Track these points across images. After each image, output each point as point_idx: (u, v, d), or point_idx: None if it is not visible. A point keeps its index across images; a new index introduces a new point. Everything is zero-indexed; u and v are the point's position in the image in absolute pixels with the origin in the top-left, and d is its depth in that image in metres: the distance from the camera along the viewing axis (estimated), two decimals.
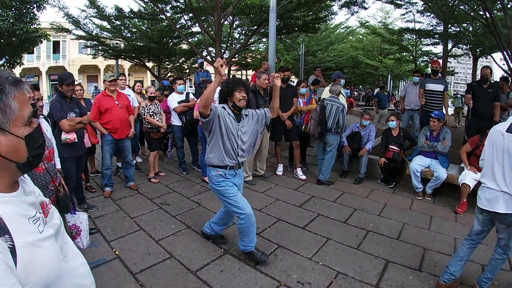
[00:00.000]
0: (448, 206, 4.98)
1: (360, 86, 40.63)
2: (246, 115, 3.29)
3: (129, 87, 6.83)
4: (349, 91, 20.80)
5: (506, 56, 8.89)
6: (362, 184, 5.88)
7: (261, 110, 3.39)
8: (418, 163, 5.29)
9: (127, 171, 5.25)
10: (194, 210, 4.53)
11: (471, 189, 4.68)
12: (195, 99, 5.87)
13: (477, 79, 6.34)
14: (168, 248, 3.49)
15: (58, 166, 3.11)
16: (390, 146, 5.71)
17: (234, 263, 3.27)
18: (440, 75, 6.81)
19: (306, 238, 3.84)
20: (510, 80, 8.23)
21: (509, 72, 9.04)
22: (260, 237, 3.81)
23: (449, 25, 14.06)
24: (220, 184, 3.17)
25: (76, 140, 4.01)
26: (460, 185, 4.86)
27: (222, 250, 3.50)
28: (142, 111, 5.57)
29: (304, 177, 6.01)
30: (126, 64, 29.89)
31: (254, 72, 10.30)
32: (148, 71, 21.31)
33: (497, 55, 11.40)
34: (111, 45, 16.71)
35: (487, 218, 2.76)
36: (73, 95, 4.27)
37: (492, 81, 6.10)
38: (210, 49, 11.99)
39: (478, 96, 5.86)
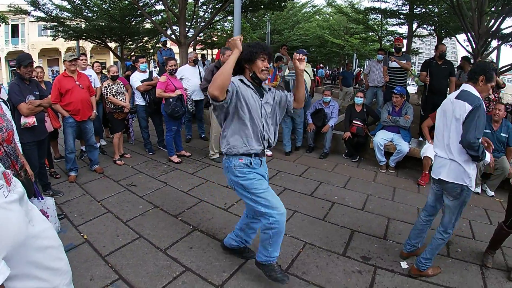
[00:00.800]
0: (411, 178, 5.21)
1: (326, 66, 41.06)
2: (269, 89, 2.67)
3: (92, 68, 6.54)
4: (323, 70, 21.05)
5: (470, 38, 9.17)
6: (327, 159, 6.02)
7: (285, 93, 2.71)
8: (381, 137, 5.47)
9: (91, 154, 5.09)
10: (161, 190, 4.48)
11: (432, 162, 4.88)
12: (158, 78, 5.71)
13: (431, 57, 6.54)
14: (137, 229, 3.45)
15: (20, 150, 2.97)
16: (353, 121, 5.86)
17: (203, 239, 3.28)
18: (404, 52, 6.96)
19: None
20: (472, 60, 8.56)
21: (472, 53, 9.36)
22: (228, 213, 3.86)
23: (415, 6, 14.29)
24: (246, 177, 2.47)
25: (36, 124, 3.82)
26: (422, 158, 5.09)
27: (191, 227, 3.50)
28: (105, 91, 5.36)
29: (270, 153, 6.07)
30: (87, 46, 28.59)
31: (219, 50, 10.16)
32: (110, 52, 20.48)
33: (461, 36, 11.78)
34: (72, 25, 15.90)
35: (439, 190, 2.87)
36: (32, 77, 4.05)
37: (448, 59, 6.31)
38: (174, 27, 11.61)
39: (434, 73, 6.08)
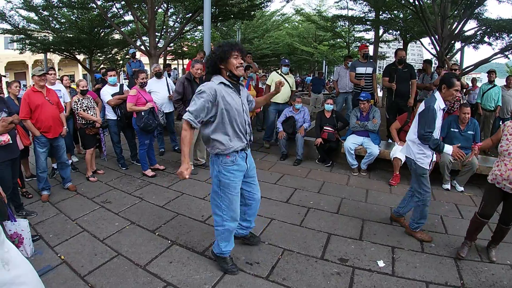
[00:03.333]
0: (382, 180, 5.39)
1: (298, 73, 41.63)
2: (242, 85, 2.89)
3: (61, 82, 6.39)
4: (310, 78, 21.35)
5: (434, 41, 9.60)
6: (301, 165, 6.14)
7: (249, 95, 3.03)
8: (352, 142, 5.64)
9: (63, 172, 4.95)
10: (137, 205, 4.42)
11: (402, 162, 5.09)
12: (129, 91, 5.66)
13: (391, 62, 6.83)
14: (114, 246, 3.40)
15: None
16: (324, 128, 6.01)
17: (183, 253, 3.28)
18: (372, 59, 7.19)
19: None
20: (434, 63, 8.95)
21: (436, 55, 9.79)
22: (206, 224, 3.86)
23: (380, 12, 14.80)
24: (228, 176, 2.75)
25: (11, 142, 3.70)
26: (392, 159, 5.28)
27: (169, 241, 3.49)
28: (75, 106, 5.25)
29: None
30: (55, 58, 27.83)
31: (189, 60, 10.16)
32: (79, 64, 20.06)
33: (426, 40, 12.26)
34: (39, 38, 15.46)
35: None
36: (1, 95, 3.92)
37: (408, 62, 6.61)
38: (144, 38, 11.57)
39: (396, 77, 6.36)
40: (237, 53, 2.60)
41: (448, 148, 3.28)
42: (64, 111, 5.01)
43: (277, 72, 7.01)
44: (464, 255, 3.20)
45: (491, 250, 3.26)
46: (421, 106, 3.36)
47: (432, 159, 3.46)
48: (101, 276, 2.91)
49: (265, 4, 13.30)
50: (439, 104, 3.27)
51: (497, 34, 10.07)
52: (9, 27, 13.92)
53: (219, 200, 2.83)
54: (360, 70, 6.81)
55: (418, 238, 3.53)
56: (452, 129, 5.10)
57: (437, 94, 3.33)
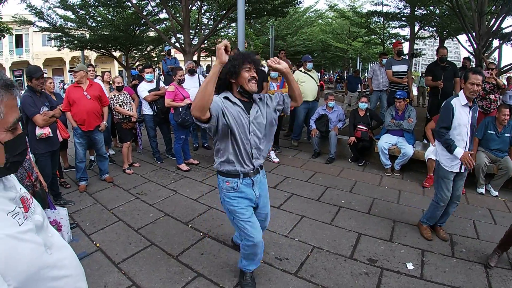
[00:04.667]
0: (415, 181, 5.26)
1: (331, 71, 41.11)
2: (260, 99, 2.49)
3: (102, 80, 6.66)
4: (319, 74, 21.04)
5: (471, 38, 9.22)
6: (333, 164, 6.09)
7: (280, 94, 2.58)
8: (386, 141, 5.53)
9: (101, 164, 5.19)
10: (171, 198, 4.57)
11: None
12: (166, 87, 5.82)
13: (434, 60, 6.58)
14: (148, 236, 3.53)
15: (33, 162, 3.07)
16: (358, 126, 5.92)
17: (214, 245, 3.36)
18: (407, 56, 6.99)
19: (282, 217, 3.98)
20: (472, 61, 8.59)
21: (473, 53, 9.41)
22: None
23: (416, 8, 14.37)
24: (231, 203, 2.47)
25: (51, 135, 3.95)
26: (427, 160, 5.13)
27: (201, 234, 3.58)
28: (111, 101, 5.47)
29: (277, 159, 6.16)
30: (92, 55, 28.87)
31: None
32: (115, 61, 20.74)
33: (463, 37, 11.81)
34: (76, 35, 16.10)
35: None
36: (44, 89, 4.17)
37: (450, 60, 6.36)
38: (179, 35, 11.80)
39: (438, 76, 6.11)
40: (249, 65, 2.29)
41: (459, 151, 3.17)
42: (107, 105, 5.19)
43: (301, 71, 6.91)
44: (493, 264, 3.07)
45: None
46: None
47: (461, 164, 3.24)
48: (134, 264, 3.04)
49: (298, 0, 13.22)
50: (461, 100, 3.21)
51: None
52: (47, 25, 14.56)
53: (233, 222, 2.59)
54: (395, 68, 6.66)
55: (420, 231, 3.64)
56: (489, 131, 4.90)
57: (460, 92, 3.28)
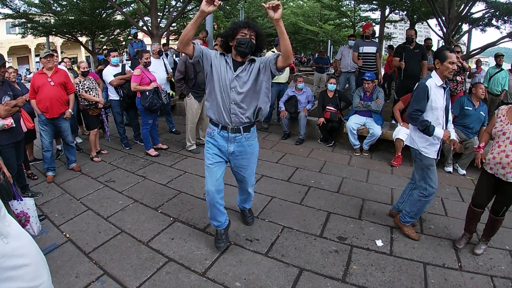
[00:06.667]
0: (384, 160, 5.40)
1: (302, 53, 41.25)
2: (253, 60, 2.66)
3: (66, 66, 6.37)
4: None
5: (440, 22, 9.40)
6: (303, 145, 6.17)
7: (267, 57, 2.68)
8: (354, 122, 5.63)
9: (68, 153, 5.01)
10: (140, 184, 4.49)
11: (404, 144, 5.06)
12: (132, 71, 5.65)
13: (402, 42, 6.70)
14: (118, 224, 3.47)
15: None
16: (327, 107, 5.98)
17: (184, 230, 3.34)
18: (376, 39, 7.06)
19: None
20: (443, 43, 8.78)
21: (443, 37, 9.62)
22: None
23: None
24: (206, 146, 2.85)
25: (14, 125, 3.73)
26: (395, 140, 5.26)
27: (171, 219, 3.55)
28: (77, 87, 5.24)
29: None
30: (58, 41, 27.72)
31: None
32: (81, 47, 19.93)
33: (433, 21, 12.01)
34: (41, 21, 15.34)
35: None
36: (5, 78, 3.94)
37: (418, 42, 6.47)
38: (146, 18, 11.43)
39: (406, 57, 6.23)
40: (245, 30, 2.56)
41: (439, 132, 3.00)
42: (73, 92, 4.99)
43: (274, 52, 6.88)
44: (461, 246, 3.10)
45: (480, 244, 3.09)
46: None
47: (440, 147, 3.13)
48: (104, 253, 2.99)
49: None
50: (435, 81, 2.99)
51: (505, 18, 9.87)
52: (10, 12, 13.84)
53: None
54: (364, 49, 6.73)
55: (405, 233, 3.27)
56: (466, 107, 5.01)
57: (433, 73, 3.06)
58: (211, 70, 2.65)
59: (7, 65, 4.20)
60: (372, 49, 6.74)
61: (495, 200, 2.99)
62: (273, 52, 6.68)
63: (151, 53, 5.92)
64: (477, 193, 3.07)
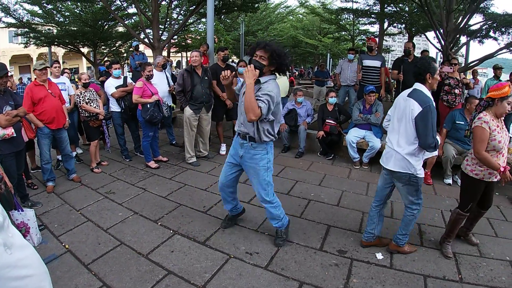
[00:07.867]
0: None
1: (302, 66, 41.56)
2: (258, 81, 2.93)
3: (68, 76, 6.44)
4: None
5: (438, 35, 9.53)
6: (303, 158, 6.19)
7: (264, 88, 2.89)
8: (354, 135, 5.66)
9: (67, 164, 5.01)
10: (140, 196, 4.49)
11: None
12: (133, 83, 5.70)
13: (401, 55, 6.78)
14: (118, 236, 3.47)
15: None
16: (326, 120, 6.02)
17: (184, 242, 3.34)
18: (376, 52, 7.13)
19: (252, 211, 3.99)
20: (440, 57, 8.86)
21: (441, 49, 9.73)
22: (207, 215, 3.93)
23: (385, 5, 14.69)
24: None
25: (15, 135, 3.75)
26: None
27: (171, 231, 3.55)
28: (77, 99, 5.29)
29: (224, 152, 6.29)
30: (59, 51, 27.86)
31: None
32: (83, 57, 20.15)
33: (431, 34, 12.18)
34: (43, 31, 15.52)
35: (388, 175, 3.07)
36: (7, 87, 3.95)
37: (416, 55, 6.55)
38: (148, 31, 11.57)
39: (404, 70, 6.29)
40: (257, 52, 2.90)
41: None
42: (66, 104, 5.04)
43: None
44: (451, 254, 3.14)
45: (471, 236, 3.35)
46: (411, 105, 2.75)
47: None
48: (104, 265, 2.98)
49: None
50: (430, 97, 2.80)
51: (503, 29, 10.00)
52: (13, 21, 14.00)
53: None
54: (367, 63, 6.76)
55: (406, 252, 3.18)
56: (457, 122, 5.00)
57: (420, 87, 2.83)
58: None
59: (9, 73, 4.22)
60: (375, 63, 6.75)
61: (483, 196, 3.15)
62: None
63: (155, 66, 5.97)
64: (472, 200, 3.13)
